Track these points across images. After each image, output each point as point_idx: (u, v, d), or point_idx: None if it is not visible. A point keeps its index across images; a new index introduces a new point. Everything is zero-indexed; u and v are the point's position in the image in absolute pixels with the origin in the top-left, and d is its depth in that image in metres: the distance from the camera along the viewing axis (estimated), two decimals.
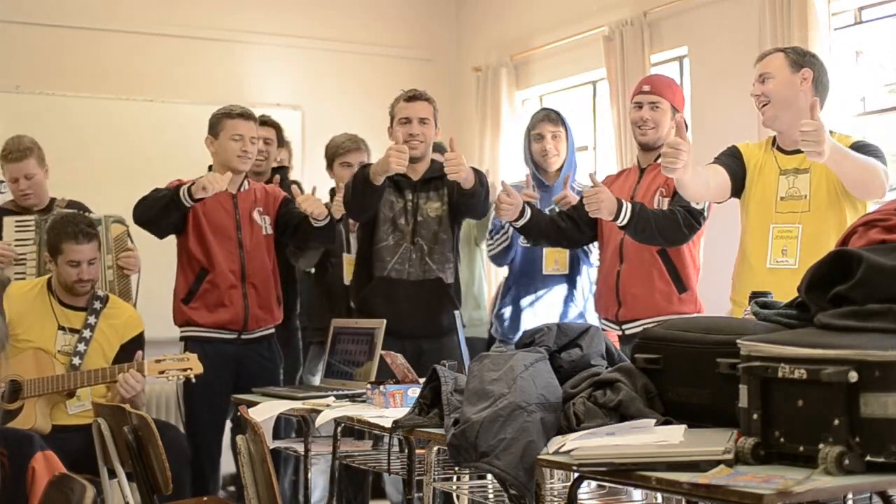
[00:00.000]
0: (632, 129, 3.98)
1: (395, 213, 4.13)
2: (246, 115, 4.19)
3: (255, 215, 4.22)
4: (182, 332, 4.19)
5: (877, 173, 3.23)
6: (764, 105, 3.44)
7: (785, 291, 3.21)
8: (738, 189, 3.54)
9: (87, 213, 4.32)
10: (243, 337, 4.18)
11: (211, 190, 3.97)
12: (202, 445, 4.06)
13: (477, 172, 4.09)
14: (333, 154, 4.82)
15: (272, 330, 4.31)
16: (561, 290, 4.39)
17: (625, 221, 3.69)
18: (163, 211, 4.05)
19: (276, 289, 4.30)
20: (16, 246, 4.36)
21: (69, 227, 3.96)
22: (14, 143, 4.49)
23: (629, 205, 3.70)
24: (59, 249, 3.93)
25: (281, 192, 4.39)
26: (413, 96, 4.15)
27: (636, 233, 3.72)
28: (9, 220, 4.43)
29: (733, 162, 3.54)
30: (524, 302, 4.38)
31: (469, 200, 4.09)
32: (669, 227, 3.71)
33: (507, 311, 4.42)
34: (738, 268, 3.55)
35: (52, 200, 4.56)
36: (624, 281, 3.85)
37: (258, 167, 4.66)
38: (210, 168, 4.28)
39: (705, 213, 3.76)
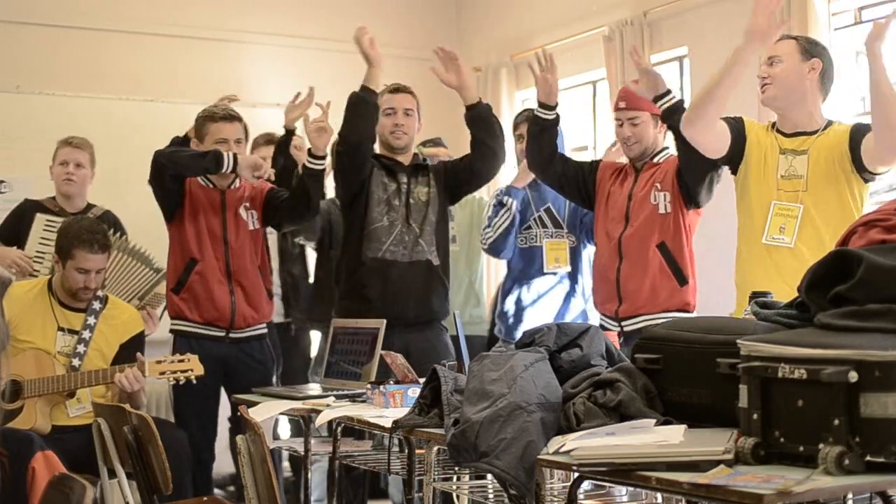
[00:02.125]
0: (619, 142, 4.03)
1: (389, 194, 4.16)
2: (229, 118, 4.19)
3: (241, 211, 4.22)
4: (172, 324, 4.19)
5: None
6: (765, 86, 3.43)
7: (779, 269, 3.27)
8: (731, 155, 3.52)
9: (153, 261, 4.45)
10: (231, 336, 4.17)
11: (261, 174, 4.09)
12: (196, 447, 4.05)
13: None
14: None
15: (264, 330, 4.30)
16: (563, 287, 4.39)
17: (670, 102, 3.71)
18: (202, 162, 4.08)
19: (267, 283, 4.30)
20: (40, 243, 4.42)
21: (84, 234, 3.91)
22: (77, 137, 4.72)
23: (675, 94, 3.74)
24: (70, 254, 3.89)
25: (267, 185, 4.38)
26: (397, 88, 4.25)
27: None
28: (41, 217, 4.50)
29: (736, 127, 3.53)
30: (526, 300, 4.38)
31: (475, 116, 4.19)
32: None
33: (510, 311, 4.42)
34: (740, 249, 3.54)
35: (89, 206, 4.62)
36: (624, 278, 3.86)
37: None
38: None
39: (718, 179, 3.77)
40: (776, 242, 3.35)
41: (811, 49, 3.44)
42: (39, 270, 4.41)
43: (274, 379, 4.47)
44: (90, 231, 3.94)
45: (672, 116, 3.71)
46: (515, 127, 4.51)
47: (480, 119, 4.21)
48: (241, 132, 4.23)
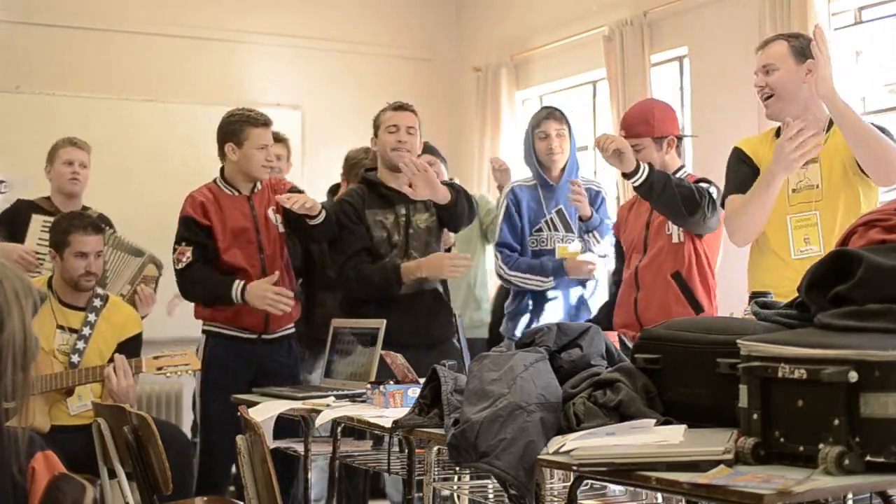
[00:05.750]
0: None
1: (389, 229, 4.12)
2: (269, 124, 4.19)
3: (270, 213, 4.20)
4: (204, 325, 4.19)
5: (889, 148, 3.14)
6: (767, 97, 3.36)
7: None
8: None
9: (140, 248, 4.47)
10: (264, 337, 4.17)
11: (274, 309, 4.01)
12: (216, 443, 4.01)
13: (451, 186, 4.06)
14: (353, 174, 4.77)
15: (293, 329, 4.30)
16: (572, 293, 4.38)
17: (640, 180, 3.61)
18: (215, 300, 4.07)
19: (293, 284, 4.29)
20: (38, 244, 4.44)
21: (76, 220, 4.04)
22: (77, 138, 4.76)
23: (647, 165, 3.64)
24: (66, 242, 3.95)
25: (286, 183, 4.35)
26: (400, 106, 4.17)
27: (655, 193, 3.62)
28: (37, 218, 4.51)
29: (748, 172, 3.45)
30: (536, 302, 4.37)
31: (450, 212, 4.09)
32: (689, 196, 3.64)
33: (517, 312, 4.41)
34: (757, 261, 3.48)
35: (84, 209, 4.63)
36: (641, 308, 3.84)
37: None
38: (222, 172, 4.21)
39: (717, 205, 3.70)
40: (806, 255, 3.27)
41: (804, 49, 3.33)
42: (41, 272, 4.41)
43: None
44: (80, 217, 4.09)
45: (642, 190, 3.65)
46: (538, 124, 4.40)
47: (456, 215, 4.13)
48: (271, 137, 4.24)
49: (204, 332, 4.19)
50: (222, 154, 4.17)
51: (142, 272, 4.48)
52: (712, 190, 3.72)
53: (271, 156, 4.16)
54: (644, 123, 3.85)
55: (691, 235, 3.79)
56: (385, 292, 4.02)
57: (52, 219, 4.50)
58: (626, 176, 3.66)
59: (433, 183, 3.94)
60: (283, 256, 4.25)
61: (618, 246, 4.13)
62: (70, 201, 4.62)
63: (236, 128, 4.13)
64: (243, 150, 4.11)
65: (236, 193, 4.17)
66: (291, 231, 4.24)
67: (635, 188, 3.68)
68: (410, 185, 3.95)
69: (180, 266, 4.05)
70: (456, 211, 4.09)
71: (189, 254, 4.05)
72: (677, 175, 3.84)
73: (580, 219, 4.29)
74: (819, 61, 3.15)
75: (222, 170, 4.21)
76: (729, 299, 3.78)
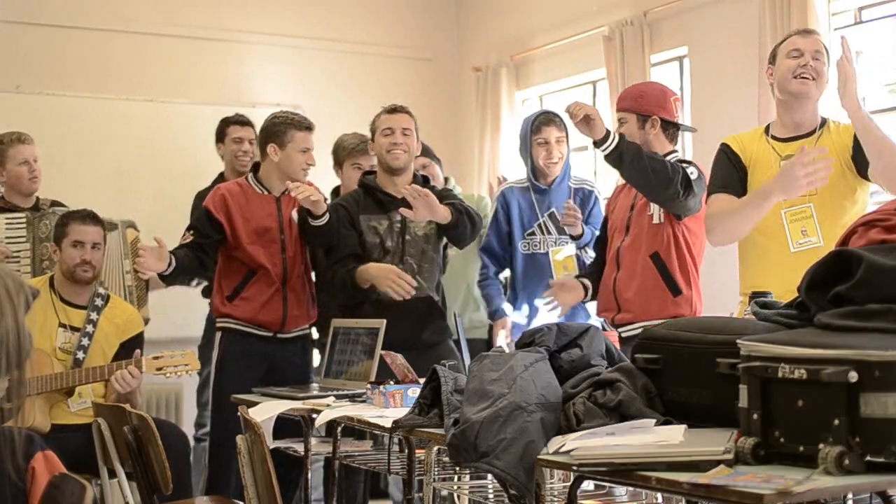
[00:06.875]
0: None
1: (382, 235, 4.12)
2: (311, 128, 4.21)
3: (294, 215, 4.21)
4: (220, 322, 4.20)
5: None
6: (808, 79, 3.32)
7: None
8: (743, 185, 3.45)
9: (109, 220, 4.42)
10: (279, 336, 4.18)
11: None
12: (226, 442, 4.00)
13: (452, 205, 4.06)
14: (345, 155, 4.80)
15: (308, 330, 4.31)
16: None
17: (609, 148, 3.59)
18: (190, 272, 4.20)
19: (311, 287, 4.30)
20: (7, 243, 4.39)
21: (77, 213, 4.11)
22: (19, 132, 4.61)
23: (618, 134, 3.64)
24: (64, 233, 4.01)
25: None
26: (394, 108, 4.18)
27: (624, 163, 3.61)
28: None
29: (734, 172, 3.43)
30: (532, 307, 4.37)
31: (451, 232, 4.12)
32: (661, 170, 3.60)
33: (516, 315, 4.42)
34: (749, 263, 3.46)
35: (37, 200, 4.60)
36: (619, 287, 3.83)
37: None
38: (255, 170, 4.23)
39: (696, 187, 3.66)
40: (805, 247, 3.25)
41: (828, 56, 3.38)
42: (19, 271, 4.38)
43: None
44: (81, 210, 4.13)
45: (611, 158, 3.63)
46: (538, 130, 4.39)
47: (457, 235, 4.16)
48: None
49: (219, 328, 4.20)
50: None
51: (127, 241, 4.44)
52: (691, 170, 3.65)
53: (312, 159, 4.18)
54: (632, 99, 3.85)
55: (671, 217, 3.75)
56: (355, 298, 4.06)
57: (14, 215, 4.48)
58: (596, 144, 3.65)
59: (433, 206, 3.96)
60: (305, 258, 4.26)
61: (604, 221, 4.12)
62: (28, 198, 4.58)
63: (280, 129, 4.15)
64: (286, 152, 4.13)
65: (266, 193, 4.19)
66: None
67: (605, 157, 3.66)
68: (411, 208, 3.97)
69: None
70: (457, 231, 4.11)
71: (189, 240, 4.15)
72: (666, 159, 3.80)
73: (571, 237, 4.30)
74: (845, 74, 3.13)
75: (255, 167, 4.24)
76: (723, 299, 3.76)
